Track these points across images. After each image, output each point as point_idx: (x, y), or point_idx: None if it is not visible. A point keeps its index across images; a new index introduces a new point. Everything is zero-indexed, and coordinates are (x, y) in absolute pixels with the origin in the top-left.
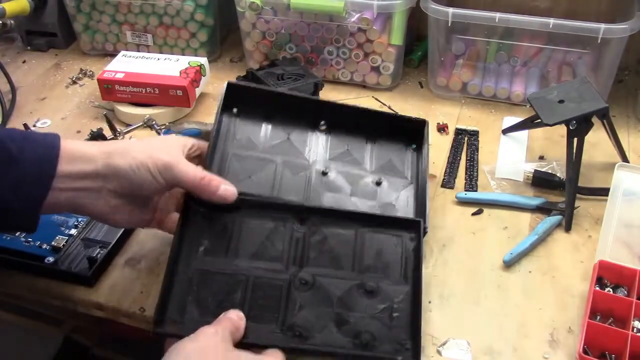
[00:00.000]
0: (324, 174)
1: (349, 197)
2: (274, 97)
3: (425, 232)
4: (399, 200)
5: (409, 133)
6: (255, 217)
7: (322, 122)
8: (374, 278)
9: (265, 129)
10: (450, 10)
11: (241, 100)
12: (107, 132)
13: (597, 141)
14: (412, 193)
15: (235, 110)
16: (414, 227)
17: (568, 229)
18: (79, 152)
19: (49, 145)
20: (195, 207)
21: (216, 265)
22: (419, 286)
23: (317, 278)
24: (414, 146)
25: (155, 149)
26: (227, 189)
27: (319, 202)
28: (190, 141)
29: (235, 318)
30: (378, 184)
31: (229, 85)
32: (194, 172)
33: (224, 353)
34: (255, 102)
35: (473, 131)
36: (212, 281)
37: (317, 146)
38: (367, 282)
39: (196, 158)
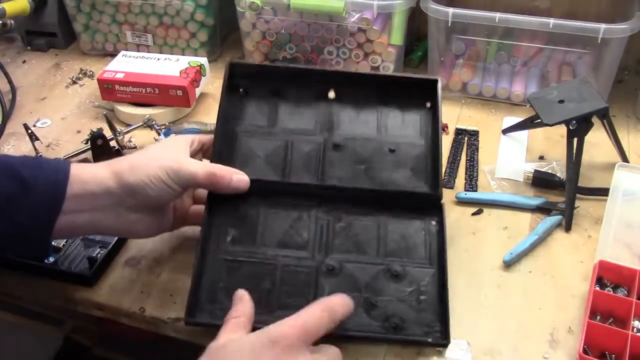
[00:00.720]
0: (335, 145)
1: (363, 166)
2: (279, 72)
3: (439, 201)
4: (415, 165)
5: (420, 95)
6: (279, 206)
7: (331, 92)
8: (399, 262)
9: (273, 105)
10: (450, 10)
11: (247, 79)
12: (107, 132)
13: (597, 141)
14: (429, 155)
15: (241, 90)
16: (436, 211)
17: (568, 229)
18: (89, 174)
19: (60, 170)
20: (219, 198)
21: (244, 255)
22: (444, 268)
23: (343, 264)
24: (429, 104)
25: (163, 159)
26: (239, 179)
27: (333, 175)
28: (190, 138)
29: (239, 312)
30: (392, 150)
31: (232, 64)
32: (204, 170)
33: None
34: (260, 79)
35: (473, 131)
36: (240, 270)
37: (327, 118)
38: (393, 266)
39: (200, 152)
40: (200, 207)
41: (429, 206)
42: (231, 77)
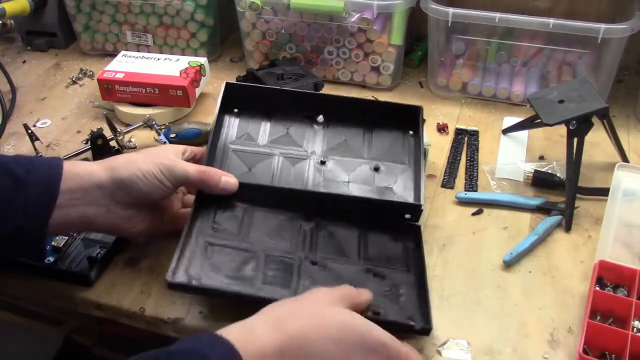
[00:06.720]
0: (322, 163)
1: (347, 183)
2: (272, 94)
3: (420, 212)
4: (397, 184)
5: (406, 120)
6: (264, 209)
7: (320, 115)
8: (379, 266)
9: (265, 125)
10: (450, 10)
11: (240, 99)
12: (107, 132)
13: (597, 141)
14: (410, 177)
15: (235, 110)
16: (413, 231)
17: (568, 229)
18: (82, 169)
19: (53, 166)
20: (209, 196)
21: (228, 242)
22: (424, 275)
23: (326, 261)
24: (412, 132)
25: (155, 156)
26: (227, 181)
27: (317, 189)
28: (182, 147)
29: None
30: (376, 169)
31: (228, 85)
32: (195, 168)
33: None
34: (254, 100)
35: (473, 131)
36: (225, 252)
37: (315, 139)
38: (374, 268)
39: (191, 161)
40: (189, 210)
41: (406, 226)
42: (226, 96)
